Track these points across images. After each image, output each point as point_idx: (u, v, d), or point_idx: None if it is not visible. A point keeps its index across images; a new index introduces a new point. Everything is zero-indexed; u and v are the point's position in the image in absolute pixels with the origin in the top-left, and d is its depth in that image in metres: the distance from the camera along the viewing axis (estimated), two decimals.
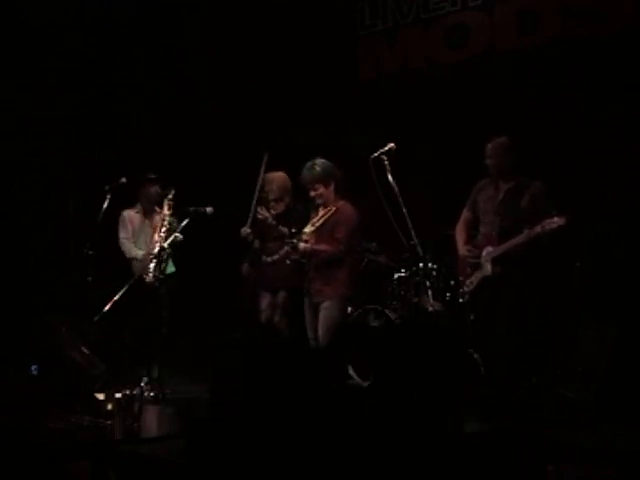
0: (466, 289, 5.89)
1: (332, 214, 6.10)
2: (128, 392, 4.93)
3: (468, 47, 7.22)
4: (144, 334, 7.23)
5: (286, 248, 6.35)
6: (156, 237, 6.88)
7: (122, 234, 7.38)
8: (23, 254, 8.28)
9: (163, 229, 6.83)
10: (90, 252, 6.95)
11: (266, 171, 6.81)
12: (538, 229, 5.45)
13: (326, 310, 6.12)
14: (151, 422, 5.05)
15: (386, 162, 5.81)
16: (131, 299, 6.57)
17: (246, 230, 6.81)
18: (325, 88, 7.75)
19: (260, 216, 6.61)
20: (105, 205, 7.07)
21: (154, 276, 6.67)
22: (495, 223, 5.81)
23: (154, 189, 7.31)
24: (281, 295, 6.75)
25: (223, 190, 7.67)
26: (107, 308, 6.45)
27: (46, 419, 4.92)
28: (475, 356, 5.51)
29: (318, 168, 6.13)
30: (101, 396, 5.06)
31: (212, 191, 7.52)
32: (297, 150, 7.11)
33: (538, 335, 5.84)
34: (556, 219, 5.37)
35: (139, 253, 7.21)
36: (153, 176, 7.36)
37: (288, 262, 6.34)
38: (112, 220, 7.44)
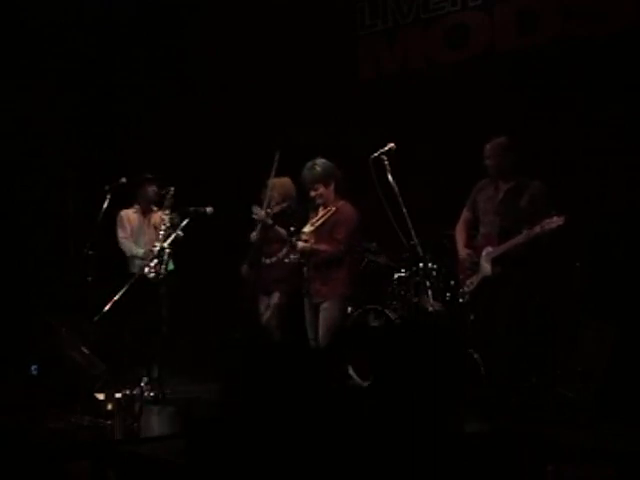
0: (466, 289, 5.89)
1: (332, 214, 6.10)
2: (128, 392, 4.92)
3: (468, 47, 7.22)
4: (144, 334, 7.23)
5: (285, 248, 6.36)
6: (157, 234, 6.87)
7: (121, 234, 7.39)
8: (23, 254, 8.28)
9: (163, 227, 6.81)
10: (90, 252, 6.96)
11: (277, 170, 6.74)
12: (537, 229, 5.45)
13: (326, 310, 6.12)
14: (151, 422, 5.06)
15: (386, 162, 5.81)
16: (131, 299, 6.57)
17: (255, 235, 6.78)
18: (325, 88, 7.75)
19: (256, 216, 6.59)
20: (105, 205, 7.08)
21: (156, 273, 6.66)
22: (495, 223, 5.80)
23: (152, 189, 7.33)
24: (275, 296, 6.75)
25: (223, 190, 7.68)
26: (107, 308, 6.45)
27: (46, 419, 4.92)
28: (475, 356, 5.50)
29: (318, 168, 6.13)
30: (101, 396, 5.05)
31: (212, 191, 7.53)
32: (297, 150, 7.11)
33: (538, 335, 5.84)
34: (555, 219, 5.37)
35: (140, 251, 7.22)
36: (150, 176, 7.38)
37: (287, 261, 6.34)
38: (112, 220, 7.45)
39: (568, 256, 6.09)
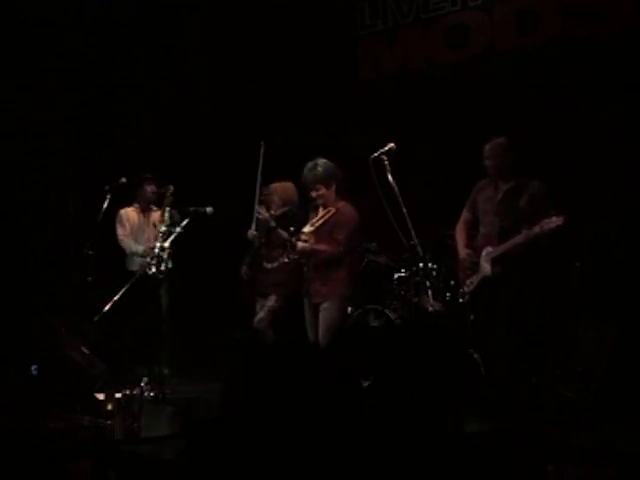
0: (466, 289, 5.89)
1: (332, 215, 6.09)
2: (128, 392, 4.92)
3: (468, 47, 7.22)
4: (144, 334, 7.24)
5: (283, 258, 6.38)
6: (157, 232, 6.87)
7: (120, 231, 7.42)
8: (23, 254, 8.28)
9: (163, 225, 6.80)
10: (90, 252, 6.96)
11: (264, 162, 6.77)
12: (537, 229, 5.45)
13: (326, 310, 6.12)
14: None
15: (386, 162, 5.81)
16: (131, 299, 6.57)
17: (252, 232, 6.80)
18: (325, 88, 7.75)
19: (260, 216, 6.60)
20: (105, 205, 7.09)
21: (157, 269, 6.64)
22: (495, 223, 5.80)
23: (150, 188, 7.36)
24: (271, 299, 6.75)
25: (223, 190, 7.68)
26: (107, 308, 6.45)
27: (46, 419, 4.91)
28: (475, 356, 5.50)
29: (320, 169, 6.12)
30: (101, 396, 5.04)
31: (212, 191, 7.53)
32: (297, 150, 7.12)
33: (538, 335, 5.84)
34: (554, 219, 5.37)
35: (139, 248, 7.25)
36: (149, 175, 7.40)
37: (287, 261, 6.34)
38: (112, 220, 7.46)
39: (568, 256, 6.09)
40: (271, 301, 6.75)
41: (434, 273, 6.22)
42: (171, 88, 8.74)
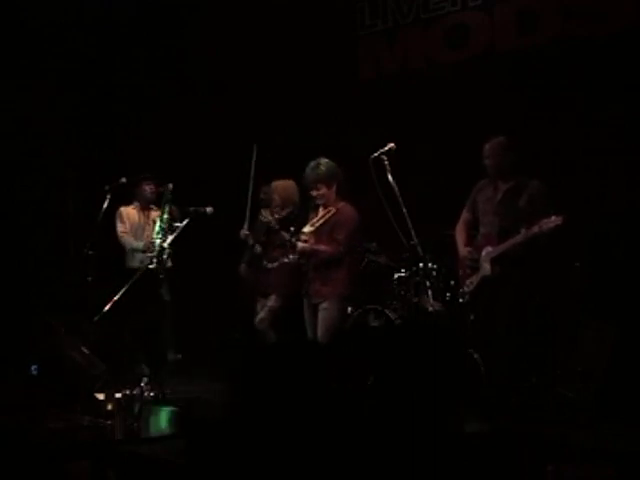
0: (466, 289, 5.89)
1: (332, 215, 6.10)
2: (128, 392, 4.93)
3: (468, 47, 7.22)
4: (144, 334, 7.24)
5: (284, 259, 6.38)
6: (156, 228, 6.87)
7: (120, 228, 7.45)
8: (23, 254, 8.28)
9: (163, 221, 6.79)
10: (90, 252, 6.97)
11: (257, 164, 6.79)
12: (536, 229, 5.45)
13: (325, 310, 6.12)
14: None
15: (386, 162, 5.81)
16: (131, 299, 6.57)
17: (245, 232, 6.83)
18: (325, 88, 7.75)
19: (263, 218, 6.62)
20: (105, 205, 7.09)
21: (158, 262, 6.63)
22: (494, 223, 5.80)
23: (149, 188, 7.39)
24: (271, 299, 6.76)
25: (223, 190, 7.68)
26: (107, 308, 6.44)
27: (46, 419, 4.92)
28: (475, 356, 5.50)
29: (323, 168, 6.12)
30: (101, 396, 5.05)
31: (212, 191, 7.53)
32: (297, 150, 7.12)
33: (538, 335, 5.84)
34: (554, 219, 5.37)
35: (139, 244, 7.28)
36: (148, 175, 7.42)
37: (286, 261, 6.34)
38: (112, 220, 7.46)
39: (568, 256, 6.09)
40: (271, 301, 6.76)
41: (434, 273, 6.22)
42: (171, 88, 8.74)
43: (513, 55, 6.90)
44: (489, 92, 6.78)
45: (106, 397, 4.85)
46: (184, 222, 6.68)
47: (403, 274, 6.37)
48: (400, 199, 5.71)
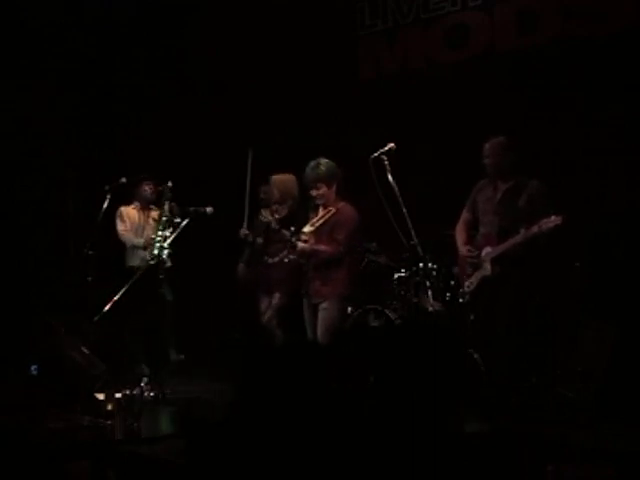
0: (466, 289, 5.90)
1: (332, 215, 6.09)
2: (128, 392, 4.93)
3: (468, 47, 7.21)
4: (144, 334, 7.24)
5: (286, 249, 6.37)
6: (157, 222, 6.87)
7: (121, 227, 7.47)
8: (23, 254, 8.29)
9: (163, 218, 6.78)
10: (90, 252, 6.97)
11: (253, 168, 6.80)
12: (535, 229, 5.46)
13: (325, 310, 6.12)
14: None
15: (386, 162, 5.81)
16: (131, 299, 6.57)
17: (244, 231, 6.83)
18: (325, 88, 7.75)
19: (264, 218, 6.62)
20: (105, 205, 7.09)
21: (159, 258, 6.63)
22: (494, 223, 5.81)
23: (149, 188, 7.40)
24: (276, 296, 6.77)
25: (223, 190, 7.68)
26: (107, 308, 6.45)
27: (46, 419, 4.92)
28: (475, 356, 5.50)
29: (323, 168, 6.12)
30: (101, 396, 5.05)
31: (212, 191, 7.53)
32: (297, 150, 7.12)
33: (538, 335, 5.84)
34: (553, 219, 5.37)
35: (140, 241, 7.30)
36: (147, 175, 7.43)
37: (286, 261, 6.34)
38: (112, 220, 7.47)
39: (568, 256, 6.09)
40: (276, 299, 6.77)
41: (434, 273, 6.22)
42: (171, 88, 8.74)
43: (513, 55, 6.90)
44: (489, 92, 6.78)
45: (106, 397, 4.85)
46: (184, 222, 6.68)
47: (403, 274, 6.37)
48: (400, 199, 5.71)
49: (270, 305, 6.82)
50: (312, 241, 6.09)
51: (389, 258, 6.53)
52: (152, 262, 6.62)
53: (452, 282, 6.21)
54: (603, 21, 6.40)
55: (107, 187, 7.17)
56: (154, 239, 6.70)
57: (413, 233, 5.73)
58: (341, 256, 6.11)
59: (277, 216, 6.65)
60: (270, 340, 6.65)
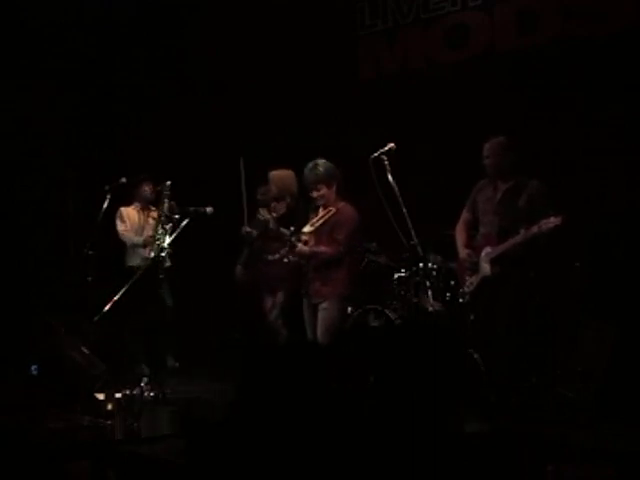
0: (466, 289, 5.89)
1: (332, 215, 6.09)
2: (128, 392, 4.93)
3: (468, 47, 7.22)
4: (144, 334, 7.24)
5: (286, 248, 6.37)
6: (157, 221, 6.87)
7: (121, 227, 7.49)
8: (23, 254, 8.29)
9: (163, 215, 6.78)
10: (90, 252, 6.97)
11: (246, 176, 6.82)
12: (535, 229, 5.45)
13: (325, 310, 6.12)
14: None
15: (386, 162, 5.80)
16: (131, 298, 6.57)
17: (246, 229, 6.83)
18: (325, 88, 7.75)
19: (261, 217, 6.62)
20: (105, 205, 7.10)
21: (159, 255, 6.63)
22: (494, 223, 5.80)
23: (149, 188, 7.42)
24: (279, 295, 6.78)
25: (223, 190, 7.67)
26: (107, 308, 6.45)
27: (46, 419, 4.92)
28: (475, 356, 5.50)
29: (321, 168, 6.12)
30: (101, 396, 5.05)
31: (212, 191, 7.53)
32: (297, 150, 7.12)
33: (538, 335, 5.83)
34: (553, 219, 5.37)
35: (140, 239, 7.32)
36: (146, 175, 7.45)
37: (286, 261, 6.35)
38: (112, 220, 7.47)
39: (568, 256, 6.09)
40: (280, 298, 6.78)
41: (434, 273, 6.22)
42: (171, 88, 8.74)
43: (513, 55, 6.90)
44: (489, 92, 6.78)
45: (106, 397, 4.85)
46: (184, 222, 6.68)
47: (403, 274, 6.37)
48: (400, 199, 5.71)
49: (274, 304, 6.83)
50: (312, 241, 6.09)
51: (389, 258, 6.53)
52: (153, 256, 6.62)
53: (452, 282, 6.21)
54: (603, 21, 6.40)
55: (107, 187, 7.17)
56: (154, 237, 6.71)
57: (413, 233, 5.73)
58: (341, 256, 6.10)
59: (275, 215, 6.64)
60: (276, 339, 6.66)
